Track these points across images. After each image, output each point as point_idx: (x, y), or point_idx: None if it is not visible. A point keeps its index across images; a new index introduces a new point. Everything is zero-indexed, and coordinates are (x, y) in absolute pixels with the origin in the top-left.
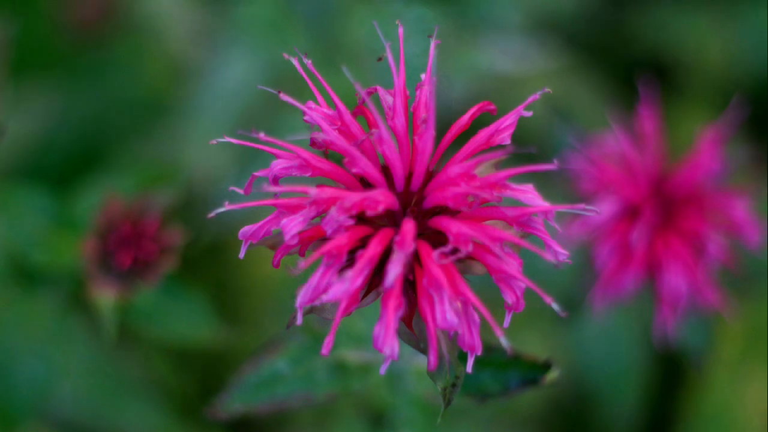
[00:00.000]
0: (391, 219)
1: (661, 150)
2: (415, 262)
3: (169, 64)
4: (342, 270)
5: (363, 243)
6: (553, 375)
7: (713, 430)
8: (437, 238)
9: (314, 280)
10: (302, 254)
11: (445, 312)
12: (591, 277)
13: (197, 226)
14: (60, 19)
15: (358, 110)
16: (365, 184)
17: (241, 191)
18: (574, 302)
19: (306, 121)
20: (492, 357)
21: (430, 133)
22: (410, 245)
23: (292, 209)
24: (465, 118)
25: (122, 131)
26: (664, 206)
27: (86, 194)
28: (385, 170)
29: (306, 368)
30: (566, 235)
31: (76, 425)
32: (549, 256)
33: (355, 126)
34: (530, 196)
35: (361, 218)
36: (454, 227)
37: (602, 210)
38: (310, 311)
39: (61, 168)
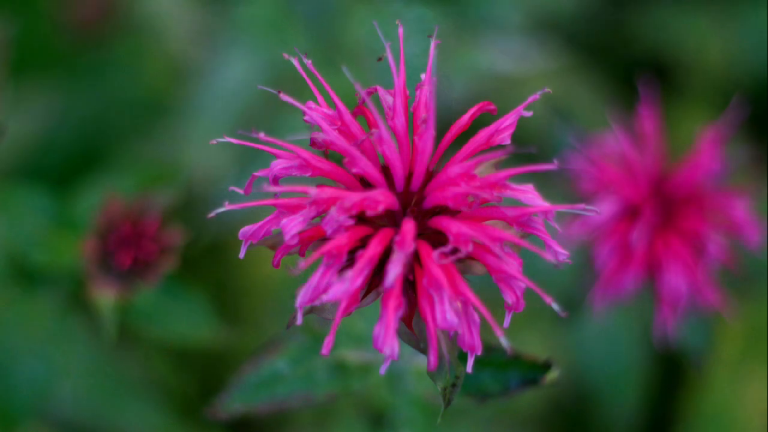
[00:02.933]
0: (391, 219)
1: (661, 150)
2: (415, 262)
3: (169, 64)
4: (342, 270)
5: (363, 243)
6: (553, 375)
7: (713, 430)
8: (437, 238)
9: (314, 280)
10: (302, 254)
11: (445, 312)
12: (591, 277)
13: (197, 226)
14: (60, 19)
15: (358, 110)
16: (365, 184)
17: (241, 191)
18: (574, 302)
19: (306, 121)
20: (492, 357)
21: (430, 133)
22: (410, 245)
23: (292, 209)
24: (465, 118)
25: (122, 131)
26: (664, 206)
27: (86, 194)
28: (385, 170)
29: (306, 368)
30: (566, 235)
31: (76, 425)
32: (549, 256)
33: (355, 126)
34: (530, 196)
35: (361, 218)
36: (454, 227)
37: (602, 210)
38: (310, 311)
39: (61, 168)
